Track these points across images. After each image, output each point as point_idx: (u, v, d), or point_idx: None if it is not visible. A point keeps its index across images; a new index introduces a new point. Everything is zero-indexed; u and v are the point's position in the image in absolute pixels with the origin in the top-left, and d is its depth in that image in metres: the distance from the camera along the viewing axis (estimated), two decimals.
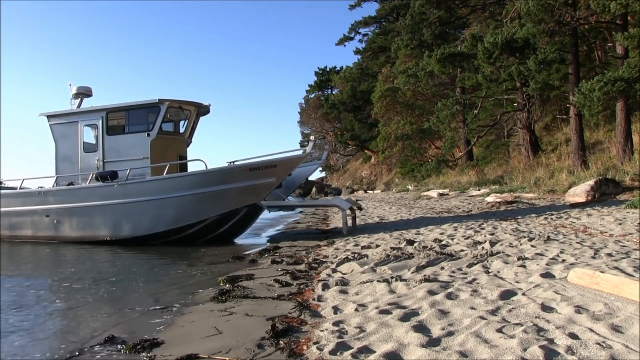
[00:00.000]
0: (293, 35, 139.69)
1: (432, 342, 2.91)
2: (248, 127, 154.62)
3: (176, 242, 10.65)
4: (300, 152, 10.53)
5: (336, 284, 4.87)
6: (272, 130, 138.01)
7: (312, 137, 10.79)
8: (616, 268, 4.39)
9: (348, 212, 10.48)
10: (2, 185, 13.70)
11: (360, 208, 12.07)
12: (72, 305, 5.28)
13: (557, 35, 15.24)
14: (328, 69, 58.33)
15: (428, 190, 22.67)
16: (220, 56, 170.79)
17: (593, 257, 5.09)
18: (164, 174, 10.53)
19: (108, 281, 6.69)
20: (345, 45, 56.83)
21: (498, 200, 13.96)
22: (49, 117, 12.16)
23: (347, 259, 6.22)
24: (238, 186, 10.09)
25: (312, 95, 59.84)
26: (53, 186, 12.00)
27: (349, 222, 10.62)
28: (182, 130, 12.54)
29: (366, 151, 48.11)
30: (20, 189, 12.57)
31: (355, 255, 6.59)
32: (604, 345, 2.63)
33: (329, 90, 58.89)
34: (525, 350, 2.65)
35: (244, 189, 10.08)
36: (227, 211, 10.34)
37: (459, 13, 25.59)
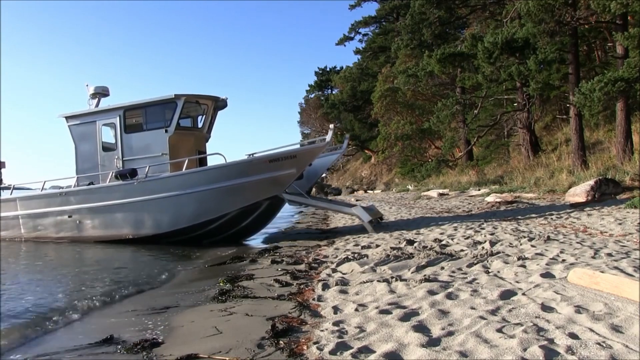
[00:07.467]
0: (293, 35, 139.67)
1: (432, 342, 2.91)
2: (247, 127, 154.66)
3: (177, 241, 10.64)
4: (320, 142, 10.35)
5: (336, 284, 4.86)
6: (272, 130, 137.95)
7: (331, 126, 10.43)
8: (616, 268, 4.39)
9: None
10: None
11: (381, 219, 11.37)
12: (71, 305, 5.27)
13: (557, 35, 15.24)
14: (328, 69, 58.33)
15: (428, 190, 22.67)
16: (218, 56, 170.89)
17: (593, 257, 5.09)
18: (183, 169, 10.43)
19: (107, 280, 6.68)
20: (345, 45, 56.91)
21: (498, 200, 13.96)
22: (68, 118, 12.11)
23: (347, 259, 6.22)
24: (259, 178, 9.97)
25: (312, 95, 59.87)
26: (74, 186, 11.95)
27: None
28: (200, 125, 12.40)
29: (366, 151, 48.05)
30: (42, 190, 12.48)
31: (355, 255, 6.59)
32: (604, 345, 2.63)
33: (329, 90, 58.87)
34: (525, 350, 2.65)
35: (264, 181, 9.98)
36: (248, 204, 10.25)
37: (459, 13, 25.59)
